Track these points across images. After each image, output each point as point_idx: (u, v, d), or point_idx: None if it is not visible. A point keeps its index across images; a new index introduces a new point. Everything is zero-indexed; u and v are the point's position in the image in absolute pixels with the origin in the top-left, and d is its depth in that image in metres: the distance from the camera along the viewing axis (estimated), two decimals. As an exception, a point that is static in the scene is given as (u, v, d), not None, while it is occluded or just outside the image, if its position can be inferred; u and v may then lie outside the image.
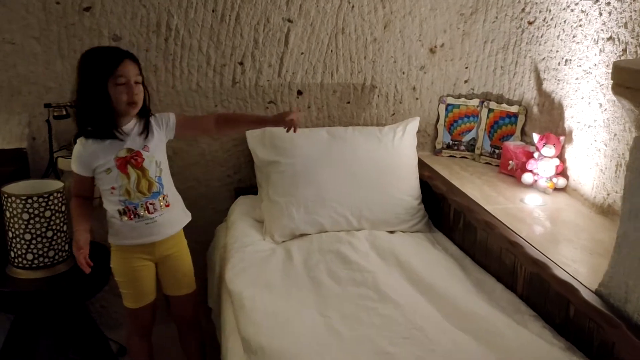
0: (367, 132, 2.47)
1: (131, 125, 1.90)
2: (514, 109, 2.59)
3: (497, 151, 2.66)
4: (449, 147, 2.79)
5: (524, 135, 2.57)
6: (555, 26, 2.32)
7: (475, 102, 2.73)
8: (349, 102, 2.72)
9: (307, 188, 2.31)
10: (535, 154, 2.32)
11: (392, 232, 2.36)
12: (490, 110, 2.68)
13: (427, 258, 2.12)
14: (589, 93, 2.13)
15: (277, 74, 2.61)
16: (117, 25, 2.38)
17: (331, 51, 2.62)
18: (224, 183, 2.70)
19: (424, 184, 2.49)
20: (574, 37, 2.20)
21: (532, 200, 2.19)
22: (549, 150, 2.28)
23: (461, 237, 2.27)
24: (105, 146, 1.87)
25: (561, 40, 2.28)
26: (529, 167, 2.34)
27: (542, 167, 2.28)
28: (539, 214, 2.09)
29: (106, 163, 1.87)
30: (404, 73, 2.72)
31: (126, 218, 1.91)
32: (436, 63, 2.72)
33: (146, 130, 1.91)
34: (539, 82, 2.46)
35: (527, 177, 2.35)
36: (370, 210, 2.34)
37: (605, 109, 2.03)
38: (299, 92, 2.65)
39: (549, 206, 2.17)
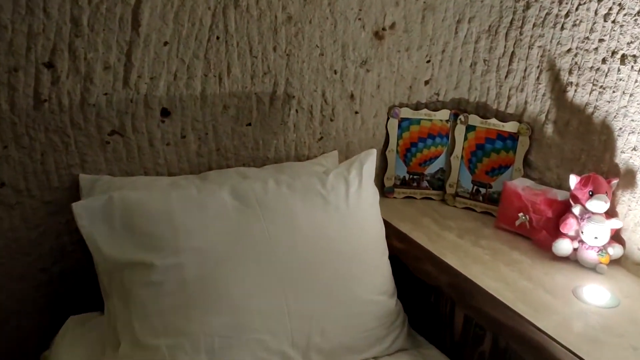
0: (301, 186, 1.39)
1: None
2: (510, 127, 1.68)
3: (483, 191, 1.74)
4: (404, 183, 1.82)
5: (529, 169, 1.68)
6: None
7: (443, 114, 1.78)
8: (249, 124, 1.62)
9: (210, 313, 1.20)
10: (575, 209, 1.44)
11: (361, 362, 1.35)
12: (469, 129, 1.74)
13: None
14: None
15: (122, 82, 1.42)
16: None
17: (217, 39, 1.49)
18: (33, 284, 1.48)
19: (393, 260, 1.49)
20: (646, 18, 1.32)
21: (595, 296, 1.31)
22: (600, 205, 1.40)
23: (486, 368, 1.33)
24: None
25: (615, 23, 1.39)
26: (566, 230, 1.46)
27: (591, 231, 1.40)
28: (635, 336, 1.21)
29: None
30: (336, 72, 1.67)
31: None
32: (384, 55, 1.71)
33: None
34: (559, 87, 1.56)
35: (562, 247, 1.46)
36: (323, 333, 1.29)
37: None
38: (165, 112, 1.50)
39: (630, 307, 1.30)
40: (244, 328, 1.21)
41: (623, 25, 1.37)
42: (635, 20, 1.34)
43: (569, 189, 1.57)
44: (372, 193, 1.47)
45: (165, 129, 1.51)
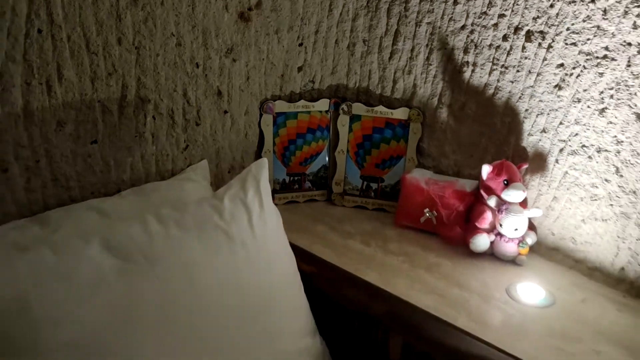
0: (193, 221, 1.06)
1: None
2: (399, 113, 1.52)
3: (374, 186, 1.57)
4: (285, 187, 1.58)
5: (422, 157, 1.54)
6: (495, -31, 1.29)
7: (322, 104, 1.55)
8: (95, 142, 1.23)
9: None
10: (490, 200, 1.33)
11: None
12: (354, 119, 1.54)
13: None
14: (600, 92, 1.20)
15: None
16: None
17: (39, 32, 1.09)
18: None
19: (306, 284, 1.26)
20: (554, -10, 1.22)
21: (531, 295, 1.22)
22: (518, 194, 1.31)
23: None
24: None
25: (517, -5, 1.27)
26: (483, 224, 1.34)
27: (512, 223, 1.30)
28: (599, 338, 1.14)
29: None
30: (198, 65, 1.34)
31: None
32: (252, 40, 1.42)
33: None
34: (452, 67, 1.42)
35: (481, 243, 1.34)
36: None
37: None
38: (-28, 142, 1.07)
39: (568, 302, 1.22)
40: None
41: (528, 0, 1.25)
42: (545, -9, 1.23)
43: (467, 176, 1.48)
44: (275, 216, 1.20)
45: (-26, 164, 1.08)
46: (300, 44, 1.51)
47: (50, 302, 0.86)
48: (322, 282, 1.28)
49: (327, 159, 1.59)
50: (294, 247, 1.28)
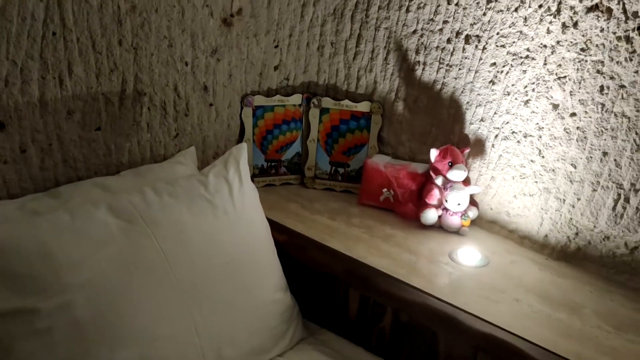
0: (183, 192, 1.28)
1: None
2: (362, 106, 1.74)
3: (341, 171, 1.79)
4: (263, 172, 1.79)
5: (382, 145, 1.76)
6: (439, -17, 1.52)
7: (296, 99, 1.77)
8: (99, 129, 1.44)
9: (113, 351, 1.07)
10: (437, 180, 1.55)
11: (267, 362, 1.33)
12: (324, 111, 1.76)
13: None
14: (524, 86, 1.44)
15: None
16: None
17: (54, 34, 1.30)
18: None
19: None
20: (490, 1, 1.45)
21: (469, 258, 1.44)
22: (460, 174, 1.53)
23: (390, 346, 1.39)
24: None
25: (458, 6, 1.50)
26: (431, 200, 1.57)
27: (455, 199, 1.53)
28: (523, 290, 1.36)
29: None
30: (187, 64, 1.56)
31: None
32: (234, 42, 1.64)
33: None
34: (407, 66, 1.65)
35: (429, 216, 1.57)
36: (233, 343, 1.24)
37: (576, 112, 1.37)
38: (-2, 126, 1.27)
39: (499, 263, 1.45)
40: (152, 359, 1.10)
41: (466, 8, 1.48)
42: (477, 3, 1.46)
43: (421, 161, 1.70)
44: (253, 190, 1.42)
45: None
46: (276, 46, 1.73)
47: (68, 250, 1.07)
48: (292, 248, 1.50)
49: (300, 147, 1.80)
50: (270, 221, 1.50)
